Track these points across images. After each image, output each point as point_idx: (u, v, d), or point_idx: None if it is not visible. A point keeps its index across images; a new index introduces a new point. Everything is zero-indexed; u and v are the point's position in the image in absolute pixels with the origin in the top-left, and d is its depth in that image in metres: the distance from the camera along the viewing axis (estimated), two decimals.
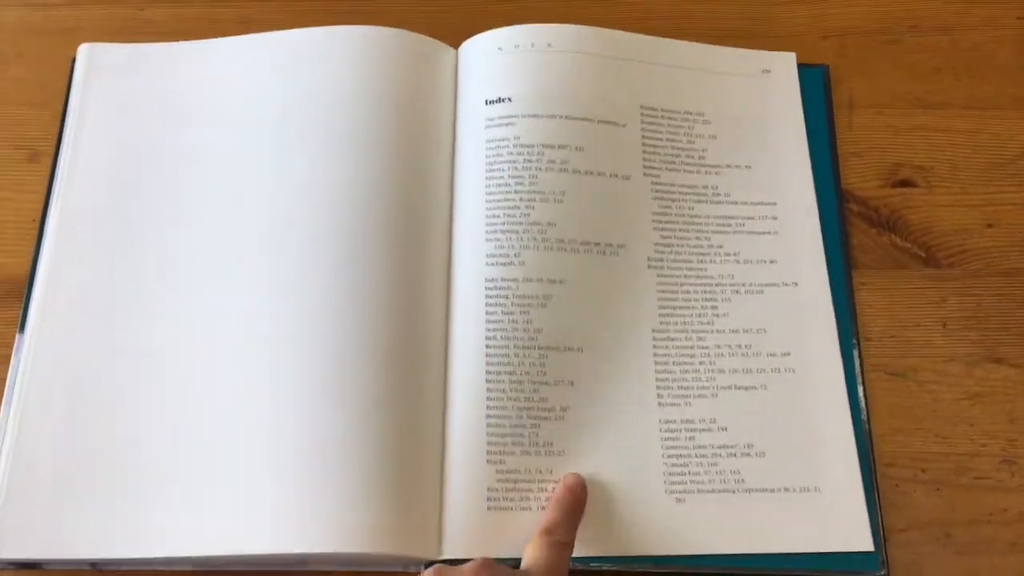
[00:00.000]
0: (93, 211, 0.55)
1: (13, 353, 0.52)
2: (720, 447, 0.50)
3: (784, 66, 0.60)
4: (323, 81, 0.57)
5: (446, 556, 0.47)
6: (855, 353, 0.53)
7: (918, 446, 0.52)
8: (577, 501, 0.48)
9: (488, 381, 0.50)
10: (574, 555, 0.47)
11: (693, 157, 0.57)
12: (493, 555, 0.46)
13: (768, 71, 0.60)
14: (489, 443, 0.49)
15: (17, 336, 0.53)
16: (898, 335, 0.54)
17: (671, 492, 0.49)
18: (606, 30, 0.59)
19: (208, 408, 0.50)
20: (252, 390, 0.50)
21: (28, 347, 0.52)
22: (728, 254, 0.55)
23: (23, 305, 0.53)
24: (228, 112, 0.58)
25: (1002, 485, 0.51)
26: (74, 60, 0.60)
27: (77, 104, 0.58)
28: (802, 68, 0.60)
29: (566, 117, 0.55)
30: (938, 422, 0.52)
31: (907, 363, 0.54)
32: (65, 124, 0.58)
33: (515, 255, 0.52)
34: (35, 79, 0.61)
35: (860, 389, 0.52)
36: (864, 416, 0.52)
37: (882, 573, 0.48)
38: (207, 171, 0.56)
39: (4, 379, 0.52)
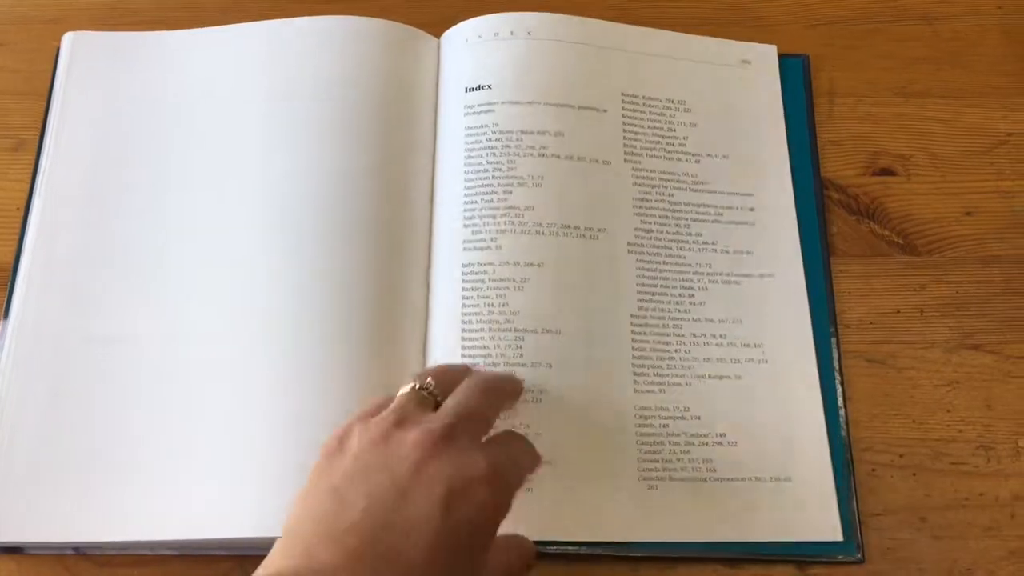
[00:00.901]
0: (76, 199, 0.56)
1: None
2: (693, 435, 0.51)
3: (764, 57, 0.61)
4: (306, 71, 0.58)
5: None
6: (833, 341, 0.53)
7: (896, 432, 0.52)
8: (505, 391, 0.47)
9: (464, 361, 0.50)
10: (542, 539, 0.47)
11: (674, 145, 0.57)
12: None
13: (748, 62, 0.60)
14: None
15: (1, 322, 0.53)
16: (877, 322, 0.55)
17: (643, 479, 0.50)
18: (586, 19, 0.59)
19: (190, 393, 0.51)
20: (234, 376, 0.50)
21: (11, 333, 0.52)
22: (706, 243, 0.55)
23: (7, 292, 0.54)
24: (212, 101, 0.58)
25: (978, 471, 0.51)
26: (59, 49, 0.60)
27: (61, 93, 0.59)
28: (783, 58, 0.61)
29: (545, 103, 0.56)
30: (916, 408, 0.53)
31: (886, 349, 0.54)
32: (49, 113, 0.58)
33: (491, 240, 0.52)
34: (19, 68, 0.62)
35: (837, 376, 0.52)
36: (841, 402, 0.52)
37: (857, 556, 0.48)
38: (191, 160, 0.56)
39: None
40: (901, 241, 0.57)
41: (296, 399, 0.49)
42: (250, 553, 0.49)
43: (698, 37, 0.61)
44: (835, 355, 0.53)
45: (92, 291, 0.53)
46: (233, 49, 0.59)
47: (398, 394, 0.43)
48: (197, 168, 0.56)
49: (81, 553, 0.49)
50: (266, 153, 0.56)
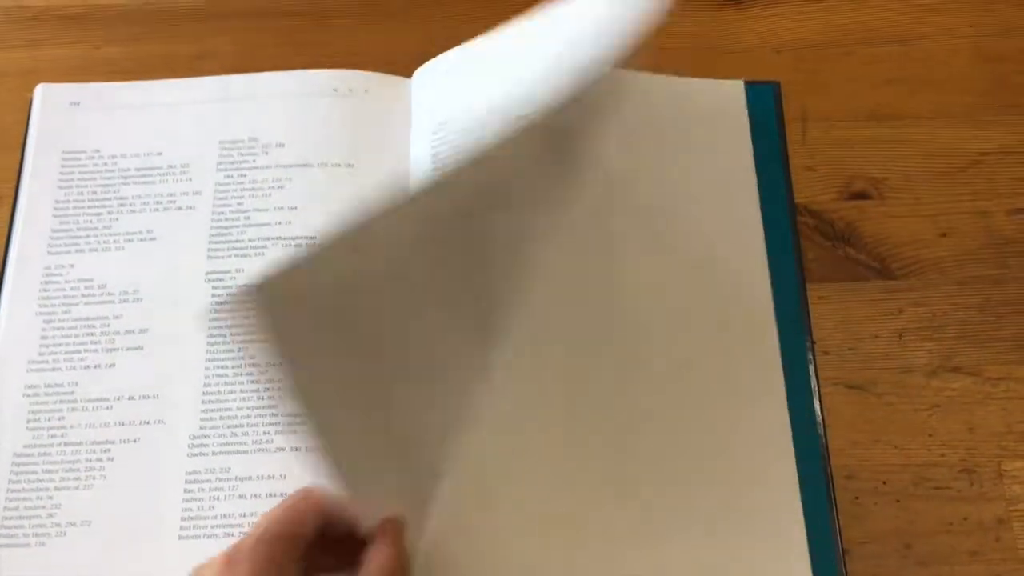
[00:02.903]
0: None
1: None
2: None
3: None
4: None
5: None
6: (811, 368, 0.53)
7: (877, 458, 0.52)
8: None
9: None
10: None
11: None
12: None
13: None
14: None
15: None
16: (856, 348, 0.54)
17: None
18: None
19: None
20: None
21: None
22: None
23: None
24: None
25: (961, 495, 0.51)
26: (31, 101, 0.61)
27: (34, 146, 0.59)
28: (752, 86, 0.61)
29: None
30: (897, 433, 0.52)
31: (865, 375, 0.54)
32: (23, 167, 0.59)
33: None
34: None
35: (816, 403, 0.52)
36: (821, 431, 0.52)
37: None
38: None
39: None
40: (877, 265, 0.57)
41: None
42: None
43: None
44: (813, 382, 0.53)
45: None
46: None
47: None
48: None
49: None
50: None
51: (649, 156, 0.57)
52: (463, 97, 0.58)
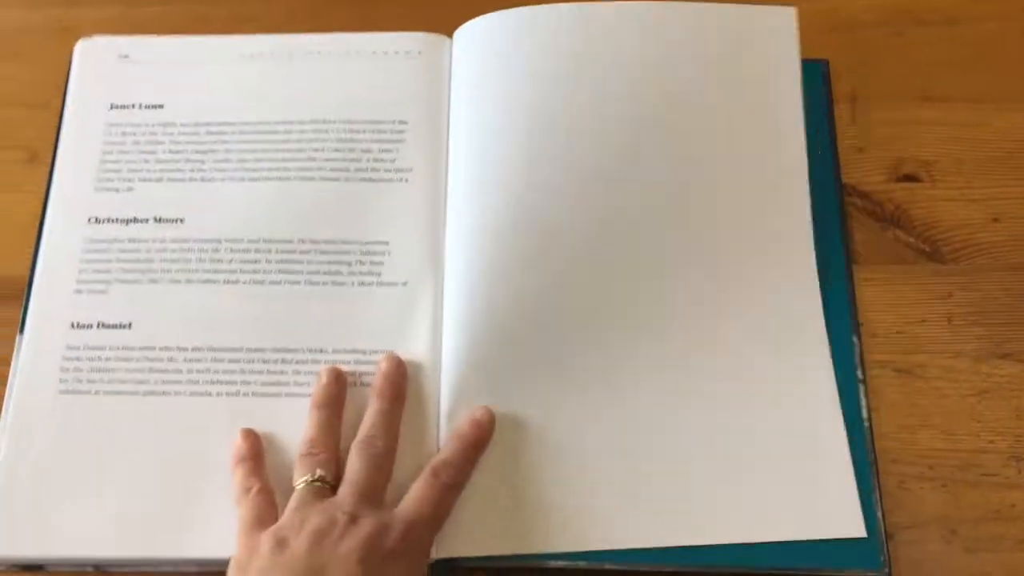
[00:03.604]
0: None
1: (14, 354, 0.52)
2: None
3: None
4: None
5: None
6: (856, 350, 0.52)
7: (924, 443, 0.51)
8: (480, 439, 0.48)
9: None
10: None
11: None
12: None
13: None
14: None
15: (17, 337, 0.52)
16: (904, 331, 0.54)
17: None
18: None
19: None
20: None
21: (28, 347, 0.52)
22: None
23: (23, 306, 0.53)
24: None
25: (1009, 482, 0.50)
26: (71, 58, 0.60)
27: (74, 102, 0.58)
28: (802, 63, 0.59)
29: None
30: (945, 419, 0.52)
31: (913, 359, 0.53)
32: (62, 122, 0.58)
33: None
34: (32, 79, 0.61)
35: (860, 387, 0.52)
36: (865, 414, 0.51)
37: (884, 571, 0.48)
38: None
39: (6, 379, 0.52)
40: (927, 248, 0.56)
41: None
42: None
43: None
44: (857, 365, 0.52)
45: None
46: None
47: (296, 488, 0.46)
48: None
49: (101, 570, 0.49)
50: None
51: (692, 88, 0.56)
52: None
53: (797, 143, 0.55)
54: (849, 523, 0.48)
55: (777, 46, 0.57)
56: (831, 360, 0.52)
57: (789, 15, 0.57)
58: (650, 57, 0.56)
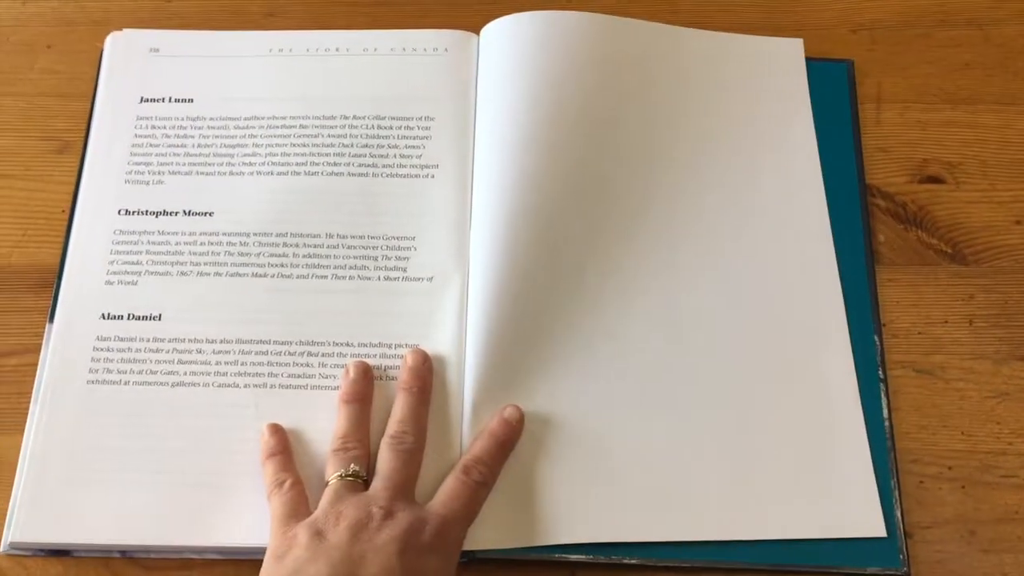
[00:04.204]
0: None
1: (44, 341, 0.53)
2: None
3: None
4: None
5: None
6: (876, 350, 0.53)
7: (944, 443, 0.51)
8: (510, 438, 0.49)
9: None
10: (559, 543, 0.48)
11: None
12: None
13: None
14: None
15: (47, 325, 0.53)
16: (925, 332, 0.54)
17: None
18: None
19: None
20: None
21: (57, 336, 0.53)
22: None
23: (53, 294, 0.54)
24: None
25: None
26: (102, 50, 0.60)
27: (104, 94, 0.59)
28: (826, 63, 0.60)
29: None
30: (964, 420, 0.52)
31: (934, 360, 0.53)
32: (93, 114, 0.59)
33: None
34: (64, 70, 0.62)
35: (881, 386, 0.52)
36: (885, 413, 0.51)
37: (903, 569, 0.48)
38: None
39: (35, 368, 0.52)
40: (950, 250, 0.56)
41: None
42: None
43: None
44: (879, 365, 0.52)
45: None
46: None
47: (328, 482, 0.47)
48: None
49: (127, 556, 0.49)
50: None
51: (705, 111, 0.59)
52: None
53: (810, 153, 0.57)
54: (869, 522, 0.49)
55: (787, 68, 0.60)
56: (852, 360, 0.52)
57: (797, 44, 0.61)
58: (671, 73, 0.59)
